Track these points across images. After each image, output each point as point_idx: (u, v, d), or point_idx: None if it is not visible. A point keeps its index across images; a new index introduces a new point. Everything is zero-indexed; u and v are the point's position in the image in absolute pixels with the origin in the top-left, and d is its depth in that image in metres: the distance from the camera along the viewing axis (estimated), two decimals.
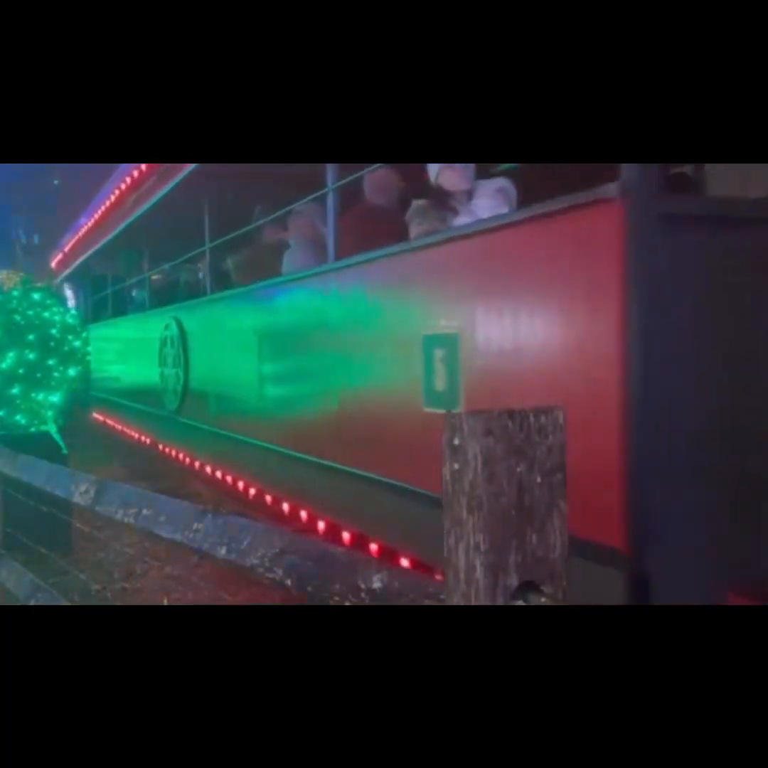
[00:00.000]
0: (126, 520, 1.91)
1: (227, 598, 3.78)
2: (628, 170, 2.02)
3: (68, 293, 13.10)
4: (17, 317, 8.29)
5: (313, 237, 4.33)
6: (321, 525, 3.85)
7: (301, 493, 4.11)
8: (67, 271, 12.37)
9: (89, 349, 9.98)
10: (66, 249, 11.69)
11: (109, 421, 9.86)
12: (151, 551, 4.84)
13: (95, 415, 10.75)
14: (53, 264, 12.84)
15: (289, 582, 1.32)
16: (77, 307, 12.24)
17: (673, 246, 2.05)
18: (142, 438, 7.87)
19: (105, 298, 10.45)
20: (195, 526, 1.62)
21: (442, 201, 3.23)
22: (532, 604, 0.94)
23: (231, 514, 1.60)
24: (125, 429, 8.76)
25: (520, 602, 0.94)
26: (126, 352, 8.85)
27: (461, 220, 3.12)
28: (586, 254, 2.18)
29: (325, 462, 3.71)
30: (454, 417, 0.95)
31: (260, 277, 4.74)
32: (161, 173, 6.06)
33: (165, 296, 7.72)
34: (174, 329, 6.38)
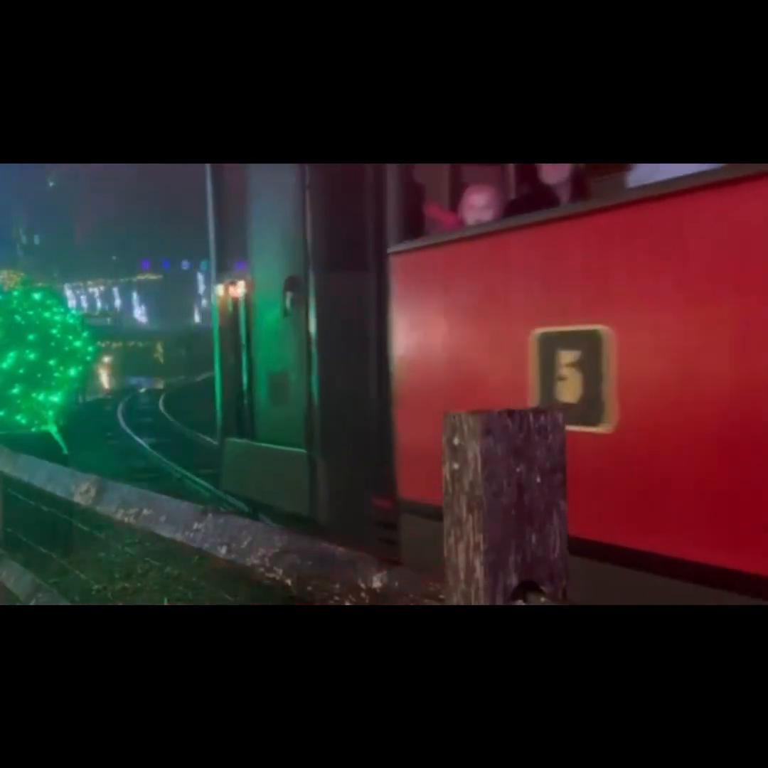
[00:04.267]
0: (126, 520, 1.90)
1: (228, 599, 3.78)
2: None
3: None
4: (17, 317, 8.28)
5: None
6: None
7: None
8: None
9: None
10: None
11: None
12: (151, 551, 4.84)
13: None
14: None
15: (289, 582, 1.32)
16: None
17: None
18: None
19: None
20: (195, 526, 1.62)
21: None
22: (532, 604, 0.94)
23: (231, 514, 1.60)
24: None
25: (520, 602, 0.94)
26: None
27: None
28: None
29: None
30: (453, 417, 0.95)
31: None
32: None
33: None
34: None
